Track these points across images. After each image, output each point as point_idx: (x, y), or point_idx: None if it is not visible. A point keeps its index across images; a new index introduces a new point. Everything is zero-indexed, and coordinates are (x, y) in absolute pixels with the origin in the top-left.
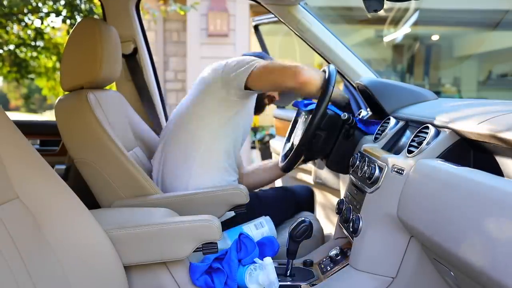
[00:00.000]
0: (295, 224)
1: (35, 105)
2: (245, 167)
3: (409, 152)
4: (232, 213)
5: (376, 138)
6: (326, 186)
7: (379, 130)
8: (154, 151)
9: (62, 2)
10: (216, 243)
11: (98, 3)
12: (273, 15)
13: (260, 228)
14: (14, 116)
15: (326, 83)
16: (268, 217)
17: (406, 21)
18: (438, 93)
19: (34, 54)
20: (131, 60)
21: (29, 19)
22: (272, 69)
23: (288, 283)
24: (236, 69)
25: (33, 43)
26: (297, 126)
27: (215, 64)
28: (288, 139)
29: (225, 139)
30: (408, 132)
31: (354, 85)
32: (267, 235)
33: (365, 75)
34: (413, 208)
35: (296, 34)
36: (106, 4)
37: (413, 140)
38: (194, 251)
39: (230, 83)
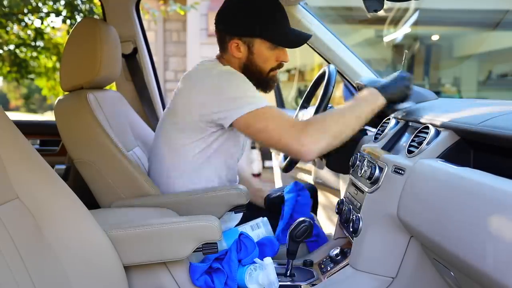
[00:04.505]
0: (295, 224)
1: (35, 105)
2: (239, 170)
3: (409, 152)
4: (238, 220)
5: (376, 138)
6: (326, 186)
7: (379, 130)
8: None
9: (62, 2)
10: (216, 243)
11: (98, 3)
12: None
13: (256, 229)
14: (14, 116)
15: (326, 83)
16: (265, 219)
17: (406, 21)
18: (438, 93)
19: (34, 54)
20: (131, 60)
21: (29, 19)
22: (272, 119)
23: (288, 283)
24: (226, 107)
25: (33, 43)
26: None
27: (191, 86)
28: None
29: (209, 166)
30: (408, 132)
31: (354, 85)
32: (263, 237)
33: (365, 75)
34: (413, 208)
35: None
36: (106, 4)
37: (413, 140)
38: (194, 251)
39: (212, 118)
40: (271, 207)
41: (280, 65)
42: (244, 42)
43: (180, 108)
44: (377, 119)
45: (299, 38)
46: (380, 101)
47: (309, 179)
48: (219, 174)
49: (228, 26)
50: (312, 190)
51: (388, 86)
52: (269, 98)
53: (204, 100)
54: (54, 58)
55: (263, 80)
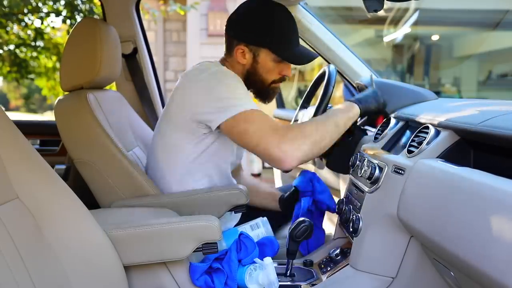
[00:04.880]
0: (295, 224)
1: (35, 105)
2: (245, 178)
3: (409, 152)
4: (237, 220)
5: (376, 138)
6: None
7: (379, 130)
8: None
9: (62, 2)
10: (216, 243)
11: (98, 3)
12: None
13: (255, 229)
14: (14, 116)
15: (326, 83)
16: (265, 218)
17: (406, 21)
18: (438, 93)
19: (34, 54)
20: (131, 60)
21: (29, 19)
22: (254, 122)
23: (288, 283)
24: (213, 107)
25: (33, 43)
26: None
27: (185, 85)
28: None
29: (201, 168)
30: (408, 132)
31: (354, 85)
32: (263, 237)
33: (365, 75)
34: (413, 208)
35: None
36: (106, 4)
37: (413, 140)
38: (194, 251)
39: (201, 119)
40: (288, 208)
41: (282, 79)
42: (251, 50)
43: (174, 106)
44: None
45: (305, 57)
46: (355, 109)
47: None
48: (211, 178)
49: (238, 31)
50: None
51: (362, 98)
52: None
53: (195, 99)
54: (54, 58)
55: (264, 90)
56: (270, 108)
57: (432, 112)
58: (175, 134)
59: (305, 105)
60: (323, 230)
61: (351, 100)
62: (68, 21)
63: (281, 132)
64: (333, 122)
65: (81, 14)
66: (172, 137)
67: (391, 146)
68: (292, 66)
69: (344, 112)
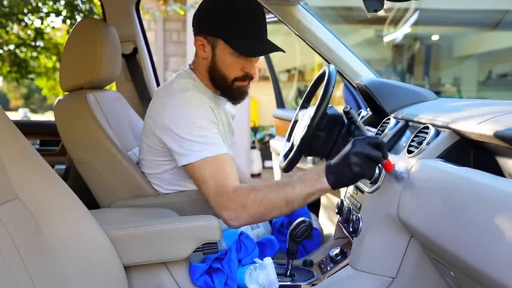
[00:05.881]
0: (295, 224)
1: (35, 105)
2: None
3: (409, 152)
4: None
5: None
6: None
7: (379, 130)
8: None
9: (62, 2)
10: (216, 243)
11: (98, 3)
12: (273, 15)
13: (255, 229)
14: (14, 116)
15: (326, 83)
16: None
17: (406, 21)
18: (438, 93)
19: (34, 54)
20: (131, 60)
21: (29, 19)
22: (209, 176)
23: (288, 283)
24: (177, 146)
25: (33, 43)
26: (297, 126)
27: (158, 108)
28: (288, 139)
29: (183, 182)
30: (408, 132)
31: (354, 85)
32: (263, 237)
33: (365, 75)
34: (413, 208)
35: (296, 34)
36: (106, 4)
37: (413, 140)
38: (194, 251)
39: (170, 149)
40: None
41: (246, 76)
42: (209, 41)
43: (149, 125)
44: (377, 119)
45: (260, 49)
46: (322, 185)
47: None
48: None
49: (197, 22)
50: None
51: (336, 166)
52: (269, 98)
53: (161, 127)
54: (54, 58)
55: (227, 88)
56: (270, 108)
57: (432, 112)
58: (152, 153)
59: (305, 105)
60: (318, 230)
61: (324, 169)
62: (68, 21)
63: (224, 197)
64: (286, 198)
65: (81, 14)
66: (150, 156)
67: (391, 146)
68: (292, 66)
69: (306, 187)
